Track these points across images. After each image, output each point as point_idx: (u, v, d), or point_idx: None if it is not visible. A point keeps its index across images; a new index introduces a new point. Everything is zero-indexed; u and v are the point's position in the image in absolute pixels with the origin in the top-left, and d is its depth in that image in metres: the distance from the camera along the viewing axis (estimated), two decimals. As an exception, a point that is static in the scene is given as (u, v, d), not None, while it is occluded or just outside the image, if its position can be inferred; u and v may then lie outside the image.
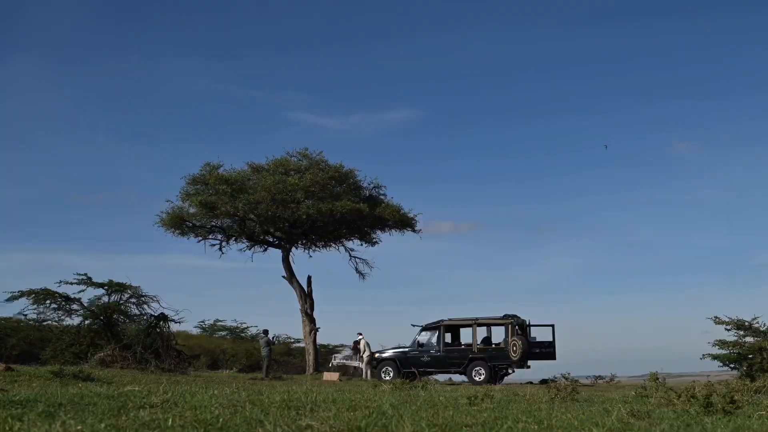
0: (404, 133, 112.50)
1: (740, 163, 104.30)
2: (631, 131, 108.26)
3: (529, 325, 21.91)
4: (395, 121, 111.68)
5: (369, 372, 23.20)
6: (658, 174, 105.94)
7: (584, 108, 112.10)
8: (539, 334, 22.11)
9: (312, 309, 28.46)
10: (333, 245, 29.95)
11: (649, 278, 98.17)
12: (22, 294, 19.19)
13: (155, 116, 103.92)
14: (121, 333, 19.93)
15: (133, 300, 20.45)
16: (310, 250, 29.91)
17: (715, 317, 21.43)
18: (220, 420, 5.54)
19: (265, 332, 23.04)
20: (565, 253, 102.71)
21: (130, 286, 20.30)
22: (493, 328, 22.35)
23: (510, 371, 21.91)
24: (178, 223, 27.34)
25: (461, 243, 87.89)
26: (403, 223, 28.83)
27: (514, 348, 20.77)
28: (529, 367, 21.98)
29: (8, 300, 19.07)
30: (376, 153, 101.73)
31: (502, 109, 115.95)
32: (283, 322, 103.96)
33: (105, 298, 20.27)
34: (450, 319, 22.23)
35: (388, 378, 20.36)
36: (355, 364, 25.40)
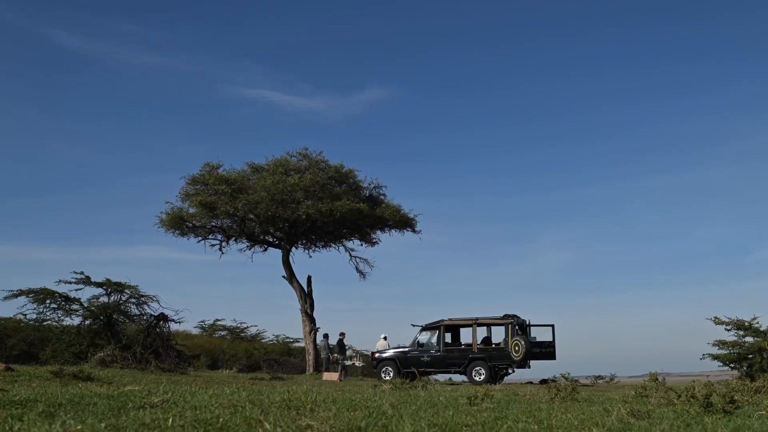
0: (378, 117, 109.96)
1: (742, 157, 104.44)
2: (629, 127, 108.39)
3: (529, 325, 21.90)
4: (367, 103, 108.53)
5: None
6: (657, 168, 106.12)
7: (581, 103, 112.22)
8: (539, 334, 22.13)
9: (312, 309, 28.47)
10: (333, 245, 29.98)
11: (649, 277, 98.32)
12: (21, 292, 19.18)
13: (88, 92, 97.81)
14: (121, 333, 19.93)
15: (132, 300, 20.46)
16: (310, 250, 29.96)
17: (715, 317, 21.47)
18: (220, 420, 5.53)
19: (326, 336, 24.65)
20: (564, 248, 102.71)
21: (129, 286, 20.30)
22: (493, 328, 22.36)
23: (510, 371, 21.91)
24: (178, 223, 27.34)
25: (451, 238, 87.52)
26: (403, 223, 28.83)
27: (517, 348, 20.75)
28: (530, 367, 21.99)
29: (6, 298, 19.07)
30: (343, 136, 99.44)
31: (499, 106, 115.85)
32: (283, 322, 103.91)
33: (104, 298, 20.28)
34: (450, 319, 22.22)
35: (388, 378, 20.38)
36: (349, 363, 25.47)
